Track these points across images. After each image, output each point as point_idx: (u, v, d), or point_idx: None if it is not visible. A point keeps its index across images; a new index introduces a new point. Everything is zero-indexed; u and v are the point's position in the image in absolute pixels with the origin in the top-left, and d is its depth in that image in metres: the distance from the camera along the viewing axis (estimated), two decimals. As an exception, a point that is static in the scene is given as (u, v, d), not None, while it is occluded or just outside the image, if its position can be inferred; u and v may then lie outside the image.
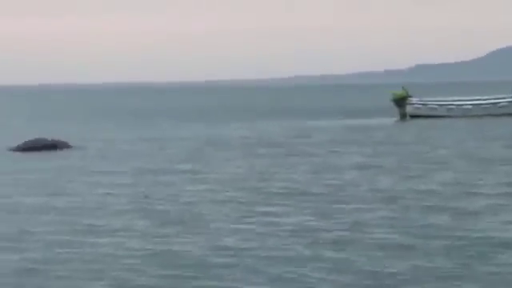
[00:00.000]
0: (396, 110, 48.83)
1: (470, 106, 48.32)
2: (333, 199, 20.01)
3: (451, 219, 17.09)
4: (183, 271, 13.42)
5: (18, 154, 34.50)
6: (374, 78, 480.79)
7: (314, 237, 15.59)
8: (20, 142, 36.00)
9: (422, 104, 48.84)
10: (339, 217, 17.52)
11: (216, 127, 48.45)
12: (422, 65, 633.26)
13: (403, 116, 47.96)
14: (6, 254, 14.99)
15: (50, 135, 37.56)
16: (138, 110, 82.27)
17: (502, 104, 48.00)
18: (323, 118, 53.40)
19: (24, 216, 19.01)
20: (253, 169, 26.78)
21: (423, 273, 12.64)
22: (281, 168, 27.10)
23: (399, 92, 49.48)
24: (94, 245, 14.98)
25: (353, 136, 39.45)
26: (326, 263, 13.55)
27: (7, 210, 20.19)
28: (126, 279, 12.94)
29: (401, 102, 48.35)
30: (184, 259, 13.65)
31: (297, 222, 17.12)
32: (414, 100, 48.76)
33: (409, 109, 47.90)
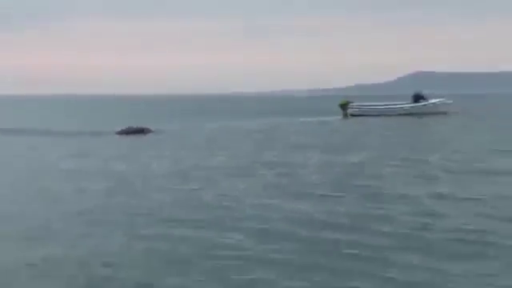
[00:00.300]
0: (341, 111, 64.31)
1: (384, 108, 64.15)
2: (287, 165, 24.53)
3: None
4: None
5: (120, 135, 41.63)
6: (322, 93, 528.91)
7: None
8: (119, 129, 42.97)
9: (358, 107, 64.58)
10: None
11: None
12: (359, 84, 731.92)
13: (345, 115, 62.94)
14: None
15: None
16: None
17: (405, 107, 63.71)
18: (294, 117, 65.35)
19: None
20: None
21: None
22: (264, 146, 32.90)
23: (343, 100, 65.74)
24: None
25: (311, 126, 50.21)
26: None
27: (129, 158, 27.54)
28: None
29: (344, 106, 64.12)
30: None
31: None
32: (353, 105, 64.01)
33: (349, 110, 63.34)
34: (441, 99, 65.03)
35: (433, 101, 64.43)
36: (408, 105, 64.16)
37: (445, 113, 61.74)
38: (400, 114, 61.60)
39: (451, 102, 65.17)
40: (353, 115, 62.90)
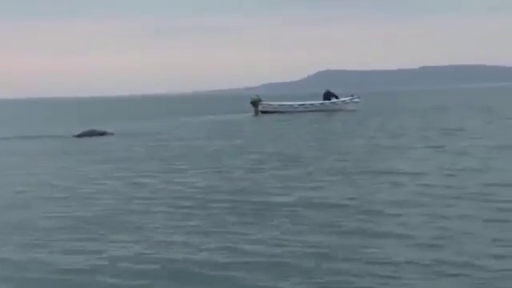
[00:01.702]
0: (252, 108, 65.13)
1: (297, 106, 65.38)
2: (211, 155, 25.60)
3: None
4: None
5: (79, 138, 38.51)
6: (234, 92, 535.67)
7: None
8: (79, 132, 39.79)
9: (269, 105, 65.41)
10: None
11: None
12: (269, 83, 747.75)
13: (256, 112, 63.94)
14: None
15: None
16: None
17: (315, 104, 65.24)
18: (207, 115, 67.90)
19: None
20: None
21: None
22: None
23: (255, 97, 66.21)
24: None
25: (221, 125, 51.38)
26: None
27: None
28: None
29: (255, 103, 65.03)
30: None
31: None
32: (263, 102, 65.00)
33: (260, 108, 64.08)
34: (351, 97, 66.29)
35: (342, 99, 65.75)
36: (318, 102, 66.08)
37: (353, 110, 63.21)
38: (310, 111, 63.17)
39: (359, 100, 66.74)
40: (263, 112, 64.20)
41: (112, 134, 39.98)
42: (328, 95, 66.06)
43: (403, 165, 20.71)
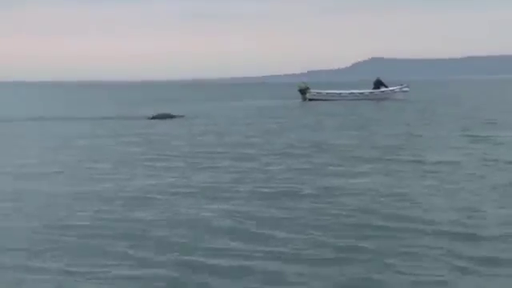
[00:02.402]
0: (300, 96, 66.15)
1: (346, 94, 65.47)
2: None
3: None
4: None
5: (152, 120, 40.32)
6: (280, 78, 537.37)
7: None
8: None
9: (317, 92, 66.04)
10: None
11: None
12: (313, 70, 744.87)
13: (304, 99, 64.75)
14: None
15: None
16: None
17: (365, 93, 65.02)
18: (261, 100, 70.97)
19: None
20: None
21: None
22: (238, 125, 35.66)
23: (302, 85, 66.89)
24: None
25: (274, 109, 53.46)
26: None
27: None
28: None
29: (303, 91, 65.68)
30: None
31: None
32: (312, 91, 65.42)
33: (308, 95, 64.88)
34: (400, 86, 66.65)
35: (391, 88, 65.94)
36: (367, 91, 66.07)
37: (402, 100, 63.17)
38: (359, 99, 63.74)
39: (408, 89, 66.80)
40: (311, 99, 65.06)
41: (182, 116, 41.92)
42: (378, 84, 66.11)
43: (446, 155, 20.72)
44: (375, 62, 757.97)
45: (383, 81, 66.35)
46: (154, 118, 40.81)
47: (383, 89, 65.36)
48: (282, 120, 39.17)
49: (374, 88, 65.62)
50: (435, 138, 26.22)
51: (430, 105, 57.71)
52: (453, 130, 30.11)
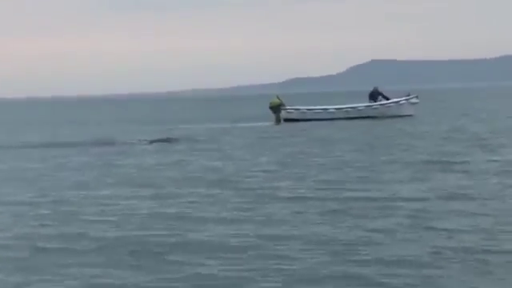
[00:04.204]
0: (273, 115, 50.43)
1: (333, 111, 50.74)
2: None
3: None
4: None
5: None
6: (254, 90, 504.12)
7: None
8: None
9: (295, 110, 51.50)
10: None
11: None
12: (295, 78, 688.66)
13: (278, 121, 50.10)
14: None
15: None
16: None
17: (358, 109, 50.40)
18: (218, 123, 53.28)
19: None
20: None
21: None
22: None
23: (275, 100, 51.23)
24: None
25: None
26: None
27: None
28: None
29: (276, 108, 50.63)
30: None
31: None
32: (288, 108, 50.92)
33: (283, 114, 50.21)
34: (407, 97, 50.87)
35: (395, 100, 50.49)
36: (362, 105, 51.25)
37: (410, 115, 49.26)
38: (350, 118, 48.88)
39: (417, 100, 51.47)
40: (287, 120, 50.16)
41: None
42: (375, 94, 51.06)
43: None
44: (374, 65, 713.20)
45: (382, 90, 51.47)
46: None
47: (383, 101, 50.41)
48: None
49: (370, 100, 50.85)
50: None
51: (456, 123, 43.45)
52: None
